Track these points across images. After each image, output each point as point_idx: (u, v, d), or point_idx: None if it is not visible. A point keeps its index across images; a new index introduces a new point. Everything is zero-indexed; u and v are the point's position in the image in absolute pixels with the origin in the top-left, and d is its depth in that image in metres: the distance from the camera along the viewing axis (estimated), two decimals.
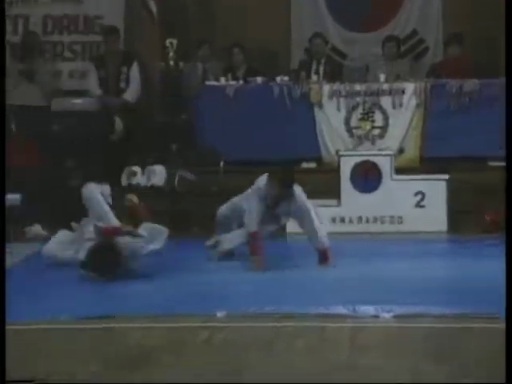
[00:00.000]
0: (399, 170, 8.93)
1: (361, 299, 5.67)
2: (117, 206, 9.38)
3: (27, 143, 9.37)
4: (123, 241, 6.58)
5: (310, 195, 9.01)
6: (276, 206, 6.96)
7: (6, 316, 4.79)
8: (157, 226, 6.63)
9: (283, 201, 6.90)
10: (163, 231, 6.63)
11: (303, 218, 6.89)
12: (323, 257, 6.90)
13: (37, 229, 8.61)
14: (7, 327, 5.08)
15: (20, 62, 10.15)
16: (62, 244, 7.05)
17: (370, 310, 5.44)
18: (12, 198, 9.26)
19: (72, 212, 9.04)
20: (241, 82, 9.85)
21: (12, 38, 10.56)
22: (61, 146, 9.53)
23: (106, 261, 6.40)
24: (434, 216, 8.51)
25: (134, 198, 6.83)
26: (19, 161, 9.04)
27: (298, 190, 6.92)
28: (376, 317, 5.35)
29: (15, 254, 7.41)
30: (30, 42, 10.19)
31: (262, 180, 6.96)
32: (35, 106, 9.84)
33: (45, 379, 4.32)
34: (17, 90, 10.08)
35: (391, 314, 5.36)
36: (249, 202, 7.00)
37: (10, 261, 7.16)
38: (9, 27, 10.60)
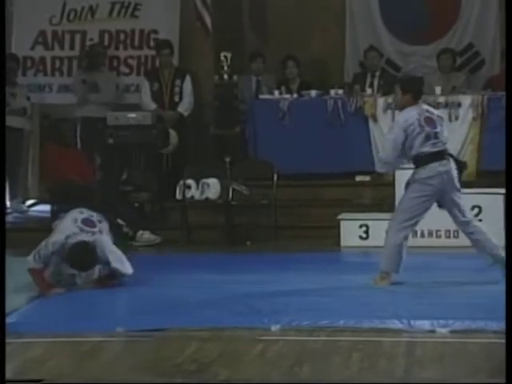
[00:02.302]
0: None
1: (417, 314, 5.59)
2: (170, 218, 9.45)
3: (85, 155, 9.46)
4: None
5: (365, 208, 8.99)
6: None
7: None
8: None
9: None
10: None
11: None
12: None
13: None
14: (63, 339, 5.14)
15: (84, 73, 10.25)
16: None
17: (425, 324, 5.37)
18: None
19: (130, 225, 9.12)
20: (295, 95, 9.84)
21: (70, 53, 10.72)
22: (117, 159, 9.62)
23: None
24: (492, 230, 8.35)
25: None
26: (76, 173, 9.13)
27: None
28: (432, 332, 5.27)
29: None
30: (94, 55, 10.30)
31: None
32: (95, 118, 9.93)
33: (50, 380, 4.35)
34: (79, 102, 10.20)
35: (447, 329, 5.28)
36: None
37: None
38: (66, 43, 10.76)
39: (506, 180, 6.36)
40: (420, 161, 6.68)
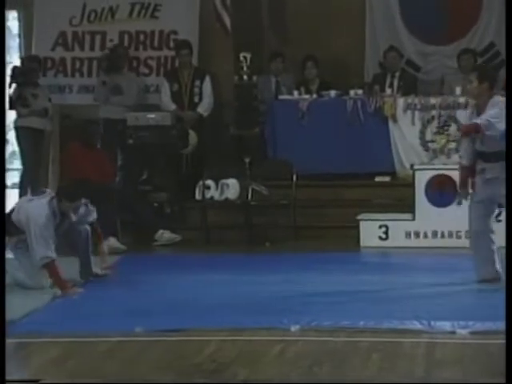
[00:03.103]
0: None
1: (437, 315, 5.57)
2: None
3: (106, 155, 9.47)
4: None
5: (384, 209, 8.97)
6: None
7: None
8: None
9: None
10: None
11: None
12: None
13: (113, 242, 8.66)
14: (81, 339, 5.15)
15: (106, 74, 10.27)
16: None
17: (446, 325, 5.35)
18: None
19: (149, 225, 9.14)
20: (314, 95, 9.83)
21: (90, 53, 10.75)
22: (137, 159, 9.65)
23: None
24: None
25: None
26: (97, 174, 9.15)
27: None
28: (452, 333, 5.25)
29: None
30: (116, 57, 10.31)
31: None
32: (116, 119, 9.95)
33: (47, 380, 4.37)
34: (100, 104, 10.22)
35: (467, 330, 5.26)
36: None
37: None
38: (86, 44, 10.79)
39: (506, 180, 6.30)
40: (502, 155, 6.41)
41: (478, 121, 6.44)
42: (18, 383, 4.37)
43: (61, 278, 6.52)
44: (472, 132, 6.51)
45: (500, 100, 6.52)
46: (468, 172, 6.71)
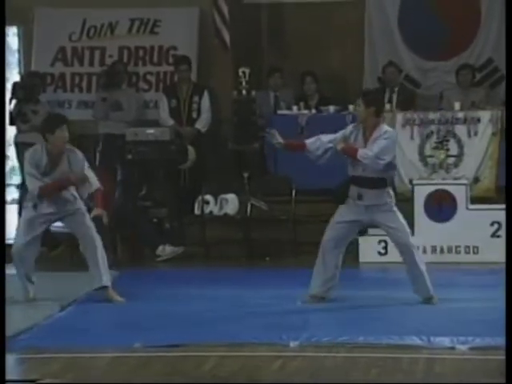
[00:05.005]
0: (475, 200, 8.77)
1: (436, 330, 5.56)
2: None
3: (105, 170, 9.47)
4: None
5: None
6: None
7: None
8: None
9: None
10: None
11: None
12: None
13: None
14: (81, 354, 5.14)
15: (104, 90, 10.29)
16: None
17: (445, 341, 5.34)
18: None
19: (149, 241, 9.14)
20: (313, 110, 9.84)
21: (89, 69, 10.78)
22: (136, 175, 9.64)
23: None
24: None
25: None
26: None
27: None
28: (451, 348, 5.24)
29: (83, 283, 7.37)
30: (115, 73, 10.32)
31: None
32: (115, 134, 9.95)
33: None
34: (99, 119, 10.24)
35: (467, 346, 5.25)
36: None
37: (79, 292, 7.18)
38: (85, 59, 10.82)
39: (506, 181, 6.31)
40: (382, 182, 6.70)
41: (360, 151, 6.64)
42: (18, 383, 4.37)
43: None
44: (348, 155, 6.75)
45: (387, 130, 6.68)
46: None
